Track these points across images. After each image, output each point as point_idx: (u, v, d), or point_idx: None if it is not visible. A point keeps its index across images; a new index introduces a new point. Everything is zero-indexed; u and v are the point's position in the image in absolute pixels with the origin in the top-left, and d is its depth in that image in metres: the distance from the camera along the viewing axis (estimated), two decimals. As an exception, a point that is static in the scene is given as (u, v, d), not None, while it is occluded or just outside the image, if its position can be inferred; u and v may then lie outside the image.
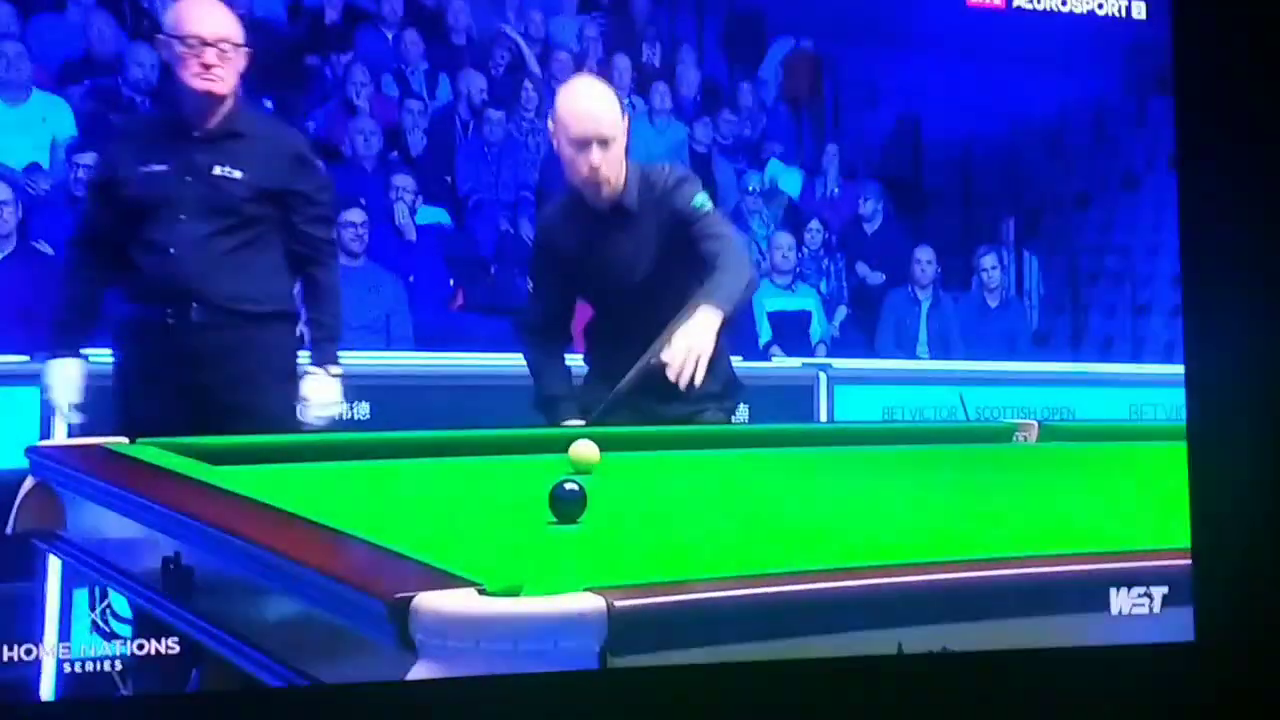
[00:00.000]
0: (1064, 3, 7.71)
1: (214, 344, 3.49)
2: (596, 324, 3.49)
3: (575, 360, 3.55)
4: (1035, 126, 11.11)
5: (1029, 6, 7.67)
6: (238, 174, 3.51)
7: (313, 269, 3.66)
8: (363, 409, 5.84)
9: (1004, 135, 11.00)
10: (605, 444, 2.71)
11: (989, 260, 8.44)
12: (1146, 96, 10.03)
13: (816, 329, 8.14)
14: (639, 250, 3.29)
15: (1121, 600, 1.47)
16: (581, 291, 3.48)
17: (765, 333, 7.71)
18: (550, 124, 3.37)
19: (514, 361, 6.53)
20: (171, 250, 3.46)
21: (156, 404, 3.45)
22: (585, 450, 2.64)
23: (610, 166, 3.25)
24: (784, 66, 10.08)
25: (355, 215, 6.59)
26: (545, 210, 3.66)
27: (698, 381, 2.98)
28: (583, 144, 3.23)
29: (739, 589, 1.42)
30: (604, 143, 3.22)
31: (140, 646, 1.75)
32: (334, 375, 3.67)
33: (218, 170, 3.50)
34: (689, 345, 2.99)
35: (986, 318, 8.37)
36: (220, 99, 3.48)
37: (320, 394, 3.63)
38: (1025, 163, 10.85)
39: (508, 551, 1.74)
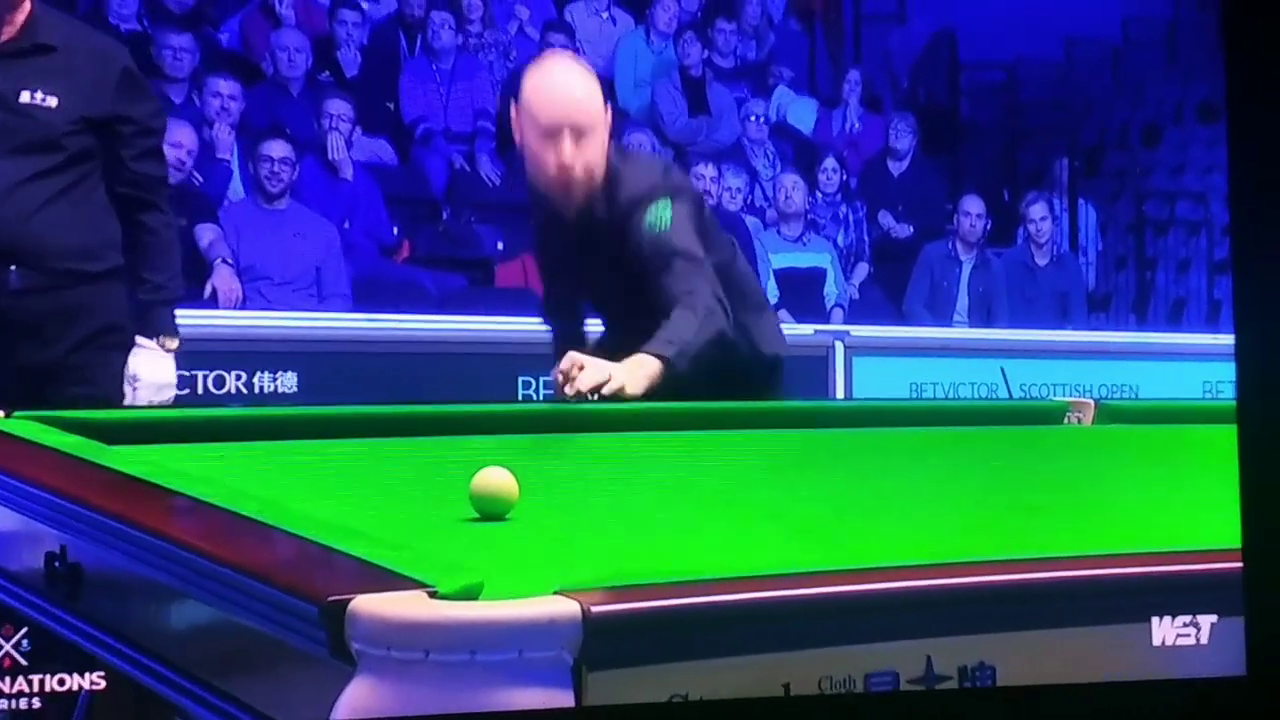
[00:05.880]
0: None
1: (39, 313, 3.42)
2: (602, 338, 3.52)
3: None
4: (1094, 44, 11.13)
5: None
6: (53, 101, 3.41)
7: (143, 214, 3.58)
8: (288, 379, 5.85)
9: (1056, 56, 11.03)
10: (579, 423, 2.71)
11: (1038, 209, 8.44)
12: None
13: (832, 289, 8.16)
14: (621, 267, 3.24)
15: (1165, 629, 1.50)
16: (586, 302, 3.58)
17: (772, 293, 7.73)
18: (513, 111, 3.30)
19: (469, 324, 6.50)
20: None
21: None
22: (493, 481, 1.96)
23: (584, 164, 3.18)
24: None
25: (277, 148, 6.57)
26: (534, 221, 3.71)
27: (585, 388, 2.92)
28: (553, 133, 3.16)
29: (737, 592, 1.44)
30: (579, 133, 3.16)
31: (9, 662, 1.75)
32: (169, 350, 3.62)
33: (26, 97, 3.41)
34: (597, 376, 2.93)
35: (1034, 278, 8.39)
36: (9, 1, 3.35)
37: (153, 373, 3.57)
38: (1082, 90, 10.87)
39: (463, 547, 1.75)
